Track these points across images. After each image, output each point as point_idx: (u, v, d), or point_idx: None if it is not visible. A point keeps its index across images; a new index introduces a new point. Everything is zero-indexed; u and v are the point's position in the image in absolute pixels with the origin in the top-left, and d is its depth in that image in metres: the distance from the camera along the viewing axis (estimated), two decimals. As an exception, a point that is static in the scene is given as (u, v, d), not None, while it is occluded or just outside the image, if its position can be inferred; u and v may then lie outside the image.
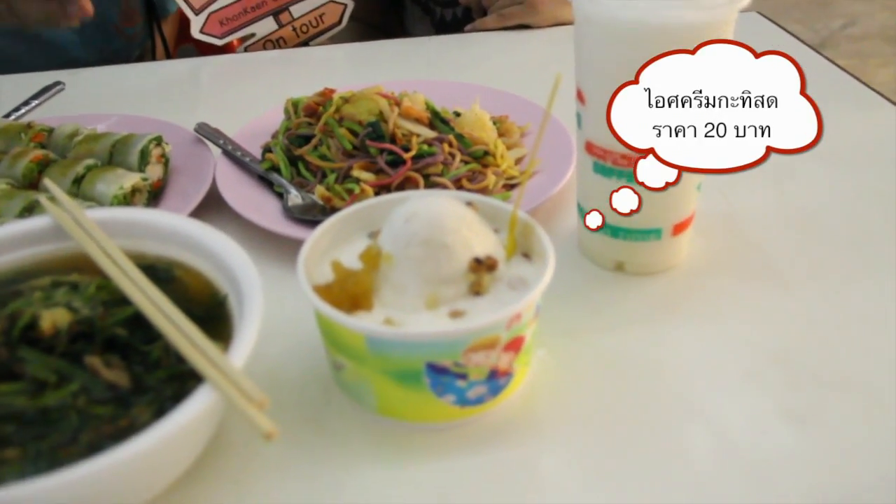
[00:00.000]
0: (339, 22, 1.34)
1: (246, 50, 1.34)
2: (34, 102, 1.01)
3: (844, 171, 0.86)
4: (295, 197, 0.79)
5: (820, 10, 4.12)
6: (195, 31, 1.28)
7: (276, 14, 1.32)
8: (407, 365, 0.54)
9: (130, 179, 0.78)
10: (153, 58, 1.47)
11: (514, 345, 0.55)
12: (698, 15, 0.59)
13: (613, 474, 0.54)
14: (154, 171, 0.83)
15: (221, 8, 1.28)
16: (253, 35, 1.32)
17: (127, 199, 0.78)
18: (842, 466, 0.54)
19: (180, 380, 0.52)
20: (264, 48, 1.34)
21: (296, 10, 1.32)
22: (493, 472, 0.55)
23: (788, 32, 1.23)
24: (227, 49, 1.60)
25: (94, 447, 0.48)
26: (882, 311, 0.67)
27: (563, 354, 0.64)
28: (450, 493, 0.54)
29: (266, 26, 1.32)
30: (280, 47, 1.34)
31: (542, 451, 0.57)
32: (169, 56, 1.49)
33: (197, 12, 1.28)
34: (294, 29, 1.33)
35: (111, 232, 0.62)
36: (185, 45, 1.70)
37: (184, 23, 1.65)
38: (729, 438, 0.56)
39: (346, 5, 1.33)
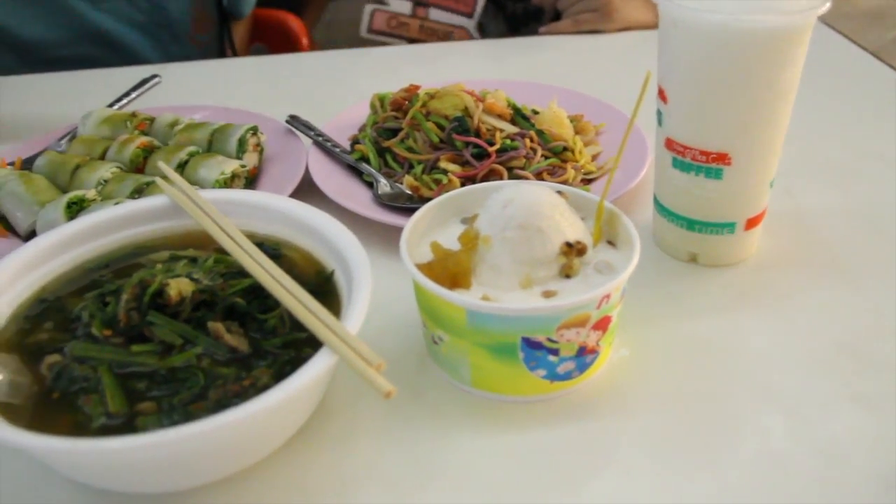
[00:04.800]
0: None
1: (373, 13, 1.38)
2: (133, 94, 1.07)
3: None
4: (384, 186, 0.83)
5: (873, 22, 4.10)
6: None
7: (416, 3, 1.37)
8: (504, 338, 0.58)
9: (231, 166, 0.84)
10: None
11: (602, 324, 0.59)
12: (779, 20, 0.63)
13: (690, 449, 0.58)
14: (250, 159, 0.88)
15: None
16: (386, 4, 1.37)
17: (227, 185, 0.83)
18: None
19: (296, 346, 0.57)
20: (387, 24, 1.39)
21: (434, 13, 1.37)
22: (578, 444, 0.59)
23: (849, 39, 1.26)
24: (298, 47, 1.66)
25: (222, 403, 0.53)
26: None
27: (642, 339, 0.68)
28: (537, 461, 0.58)
29: (400, 6, 1.37)
30: (398, 31, 1.39)
31: (624, 427, 0.60)
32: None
33: None
34: (421, 27, 1.38)
35: (223, 211, 0.67)
36: (257, 45, 1.76)
37: (256, 23, 1.72)
38: (802, 420, 0.60)
39: (472, 36, 1.38)
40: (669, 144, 0.71)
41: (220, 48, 1.52)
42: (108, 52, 1.35)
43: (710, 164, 0.69)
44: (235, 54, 1.53)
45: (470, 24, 1.38)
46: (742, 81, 0.65)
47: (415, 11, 1.38)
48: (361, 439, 0.60)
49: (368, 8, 1.39)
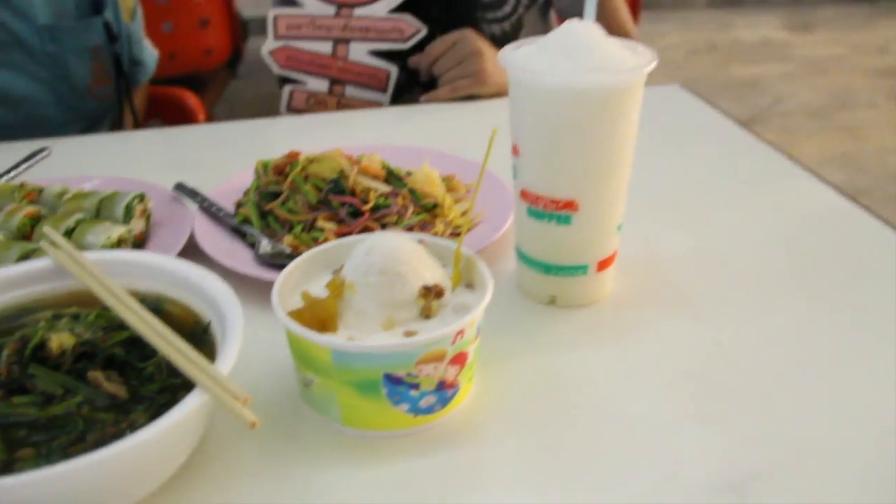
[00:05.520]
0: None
1: (291, 93, 1.46)
2: (23, 166, 1.10)
3: (752, 220, 0.98)
4: (266, 245, 0.88)
5: (750, 90, 4.40)
6: (265, 50, 1.42)
7: (333, 81, 1.44)
8: (367, 376, 0.63)
9: (117, 231, 0.87)
10: (122, 123, 1.57)
11: (459, 359, 0.65)
12: (610, 78, 0.71)
13: (546, 472, 0.63)
14: (137, 225, 0.92)
15: (296, 49, 1.42)
16: (304, 84, 1.45)
17: (114, 249, 0.86)
18: (739, 456, 0.64)
19: (172, 391, 0.60)
20: (306, 102, 1.46)
21: (350, 90, 1.44)
22: (443, 472, 0.64)
23: (713, 107, 1.36)
24: (194, 120, 1.71)
25: (99, 445, 0.55)
26: (773, 332, 0.78)
27: (504, 374, 0.73)
28: (404, 491, 0.62)
29: (318, 85, 1.45)
30: (317, 108, 1.46)
31: (486, 455, 0.65)
32: (137, 124, 1.59)
33: (276, 38, 1.42)
34: (338, 103, 1.46)
35: (107, 270, 0.70)
36: (152, 120, 1.80)
37: (153, 99, 1.76)
38: (645, 438, 0.66)
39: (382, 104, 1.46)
40: (524, 195, 0.78)
41: (120, 105, 1.55)
42: (7, 111, 1.38)
43: (560, 211, 0.76)
44: (135, 115, 1.57)
45: (384, 98, 1.46)
46: (581, 135, 0.73)
47: (332, 89, 1.45)
48: (239, 480, 0.63)
49: (287, 88, 1.46)
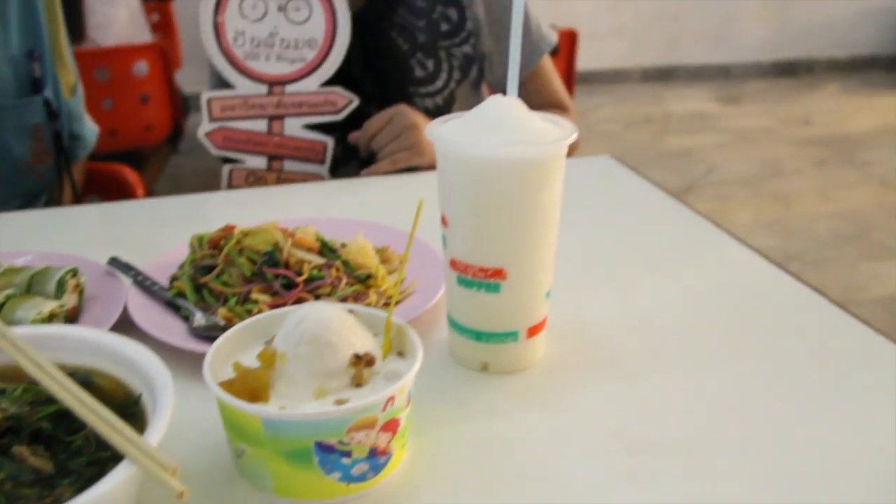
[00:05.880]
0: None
1: (231, 172, 1.47)
2: (-46, 244, 1.09)
3: (680, 286, 1.01)
4: (200, 318, 0.88)
5: (684, 159, 4.53)
6: (201, 132, 1.44)
7: (271, 157, 1.46)
8: (298, 444, 0.63)
9: (48, 306, 0.87)
10: (60, 198, 1.56)
11: (391, 426, 0.66)
12: (531, 150, 0.73)
13: (478, 536, 0.64)
14: (70, 300, 0.91)
15: (232, 129, 1.44)
16: (243, 161, 1.47)
17: (45, 323, 0.86)
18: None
19: (100, 464, 0.60)
20: (245, 178, 1.48)
21: (288, 165, 1.47)
22: (376, 540, 0.64)
23: (642, 177, 1.40)
24: (133, 196, 1.71)
25: (23, 521, 0.55)
26: (701, 394, 0.80)
27: (437, 440, 0.74)
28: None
29: (257, 162, 1.47)
30: (257, 184, 1.48)
31: (419, 522, 0.66)
32: (77, 198, 1.58)
33: (211, 120, 1.43)
34: (278, 178, 1.48)
35: (36, 345, 0.70)
36: (91, 196, 1.79)
37: (91, 175, 1.76)
38: (577, 497, 0.67)
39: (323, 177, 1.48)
40: (454, 264, 0.80)
41: (59, 180, 1.55)
42: None
43: (489, 279, 0.78)
44: (75, 189, 1.57)
45: (322, 170, 1.48)
46: (506, 205, 0.75)
47: (270, 165, 1.47)
48: (170, 553, 0.63)
49: (227, 167, 1.47)
